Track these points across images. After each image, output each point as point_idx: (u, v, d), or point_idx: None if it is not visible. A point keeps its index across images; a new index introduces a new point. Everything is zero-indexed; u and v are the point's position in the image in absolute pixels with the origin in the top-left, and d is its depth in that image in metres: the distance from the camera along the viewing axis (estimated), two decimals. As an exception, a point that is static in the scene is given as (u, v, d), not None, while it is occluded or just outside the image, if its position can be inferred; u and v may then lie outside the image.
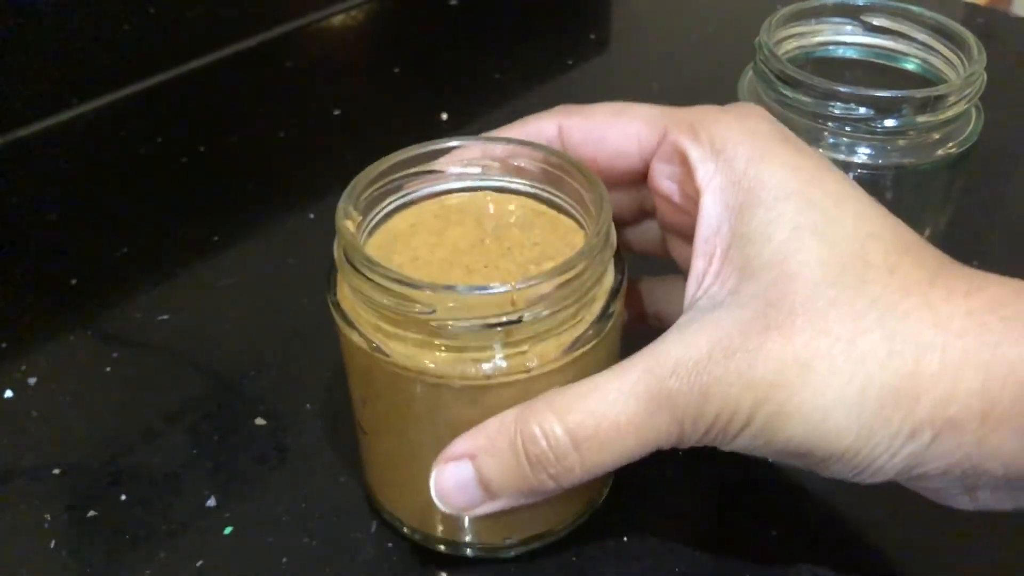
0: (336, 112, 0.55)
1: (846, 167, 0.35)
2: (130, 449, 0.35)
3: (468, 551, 0.31)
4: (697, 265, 0.27)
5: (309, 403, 0.37)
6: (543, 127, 0.31)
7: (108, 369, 0.39)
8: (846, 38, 0.43)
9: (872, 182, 0.35)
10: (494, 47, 0.63)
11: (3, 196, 0.49)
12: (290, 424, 0.36)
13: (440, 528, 0.31)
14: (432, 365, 0.26)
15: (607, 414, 0.25)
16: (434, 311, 0.26)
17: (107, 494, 0.34)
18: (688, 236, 0.28)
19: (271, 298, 0.42)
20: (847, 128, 0.35)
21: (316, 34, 0.64)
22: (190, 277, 0.44)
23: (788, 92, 0.35)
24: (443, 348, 0.26)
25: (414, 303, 0.26)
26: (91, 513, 0.33)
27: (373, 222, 0.30)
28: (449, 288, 0.26)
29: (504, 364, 0.26)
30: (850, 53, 0.45)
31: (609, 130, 0.30)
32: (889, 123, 0.35)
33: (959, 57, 0.39)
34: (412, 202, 0.31)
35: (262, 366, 0.39)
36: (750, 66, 0.39)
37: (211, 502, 0.33)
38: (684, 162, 0.28)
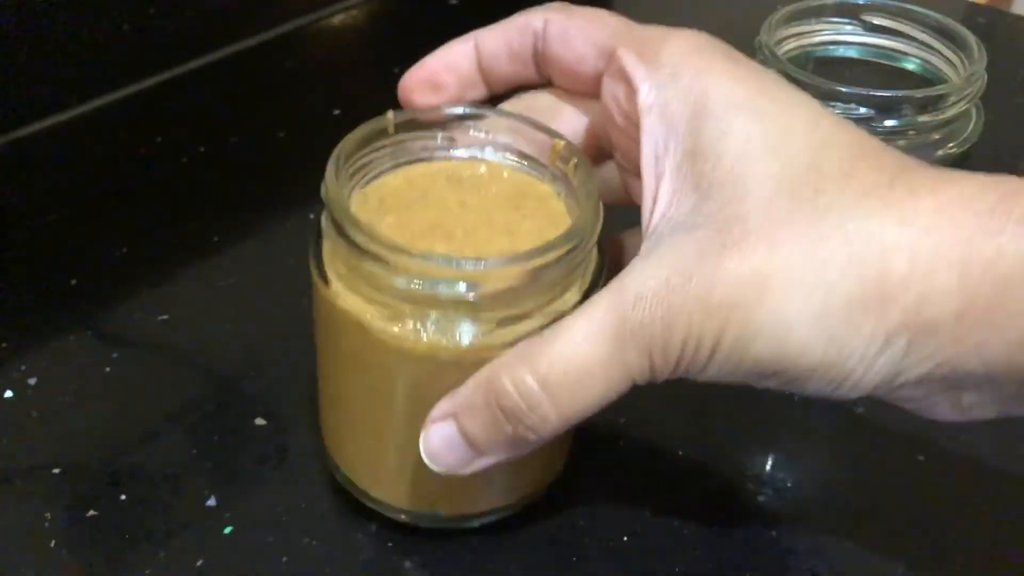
0: (336, 112, 0.55)
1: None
2: (130, 449, 0.35)
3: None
4: (648, 186, 0.26)
5: (309, 403, 0.37)
6: (531, 21, 0.30)
7: (108, 369, 0.39)
8: (846, 38, 0.43)
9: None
10: (494, 47, 0.63)
11: (3, 196, 0.49)
12: (290, 424, 0.36)
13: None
14: (396, 330, 0.27)
15: (575, 356, 0.25)
16: (404, 278, 0.26)
17: (107, 494, 0.34)
18: (637, 168, 0.27)
19: (271, 298, 0.42)
20: (847, 128, 0.35)
21: (316, 34, 0.64)
22: (190, 277, 0.44)
23: (788, 92, 0.35)
24: (411, 315, 0.27)
25: (390, 271, 0.26)
26: (91, 513, 0.33)
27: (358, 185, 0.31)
28: (422, 256, 0.26)
29: (476, 340, 0.27)
30: (850, 53, 0.45)
31: (579, 33, 0.29)
32: (889, 123, 0.35)
33: (959, 57, 0.40)
34: (402, 164, 0.31)
35: (262, 366, 0.39)
36: (750, 66, 0.39)
37: (211, 502, 0.33)
38: (626, 79, 0.27)
